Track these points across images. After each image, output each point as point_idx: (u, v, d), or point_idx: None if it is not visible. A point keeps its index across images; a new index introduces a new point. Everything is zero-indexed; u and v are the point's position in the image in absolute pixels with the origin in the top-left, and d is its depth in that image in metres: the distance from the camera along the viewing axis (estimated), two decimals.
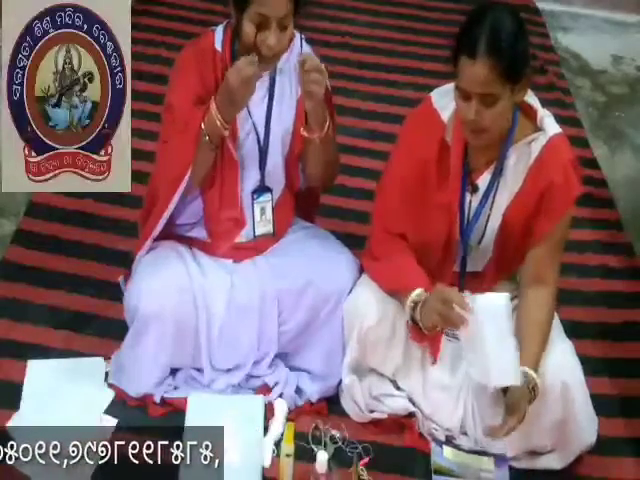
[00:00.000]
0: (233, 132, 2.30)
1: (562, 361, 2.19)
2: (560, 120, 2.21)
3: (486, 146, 2.14)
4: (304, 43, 2.34)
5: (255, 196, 2.41)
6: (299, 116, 2.34)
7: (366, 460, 2.31)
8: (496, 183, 2.18)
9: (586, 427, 2.27)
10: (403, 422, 2.41)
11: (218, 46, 2.29)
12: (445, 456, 2.33)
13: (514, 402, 2.08)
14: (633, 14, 4.80)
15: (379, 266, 2.31)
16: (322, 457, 2.09)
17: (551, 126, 2.16)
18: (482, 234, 2.24)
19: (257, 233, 2.44)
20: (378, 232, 2.33)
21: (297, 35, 2.32)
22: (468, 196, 2.21)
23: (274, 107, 2.34)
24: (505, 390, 2.11)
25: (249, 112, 2.32)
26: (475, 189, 2.21)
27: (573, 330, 2.43)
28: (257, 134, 2.34)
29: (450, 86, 2.19)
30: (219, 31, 2.31)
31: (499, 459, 2.33)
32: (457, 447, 2.35)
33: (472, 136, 2.10)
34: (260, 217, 2.43)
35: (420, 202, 2.23)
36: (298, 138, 2.35)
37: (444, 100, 2.19)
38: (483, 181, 2.20)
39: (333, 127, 2.36)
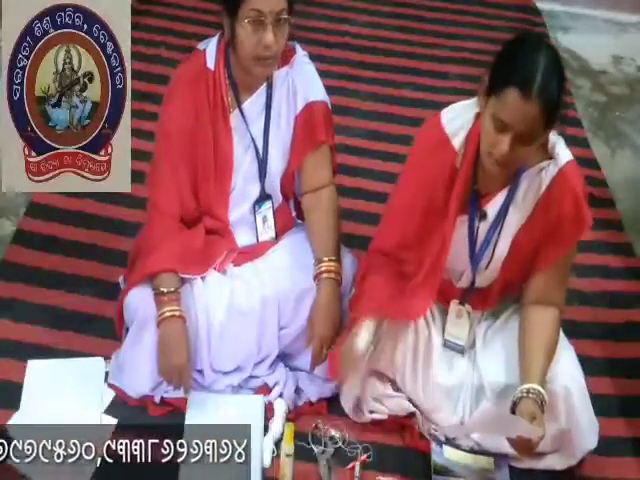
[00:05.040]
0: (228, 164, 2.33)
1: (564, 369, 2.19)
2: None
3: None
4: (304, 57, 2.35)
5: (257, 207, 2.42)
6: (296, 135, 2.34)
7: (364, 458, 2.31)
8: (506, 209, 2.15)
9: (588, 433, 2.27)
10: (403, 422, 2.40)
11: (210, 65, 2.28)
12: (445, 456, 2.33)
13: (530, 414, 2.06)
14: (633, 14, 4.79)
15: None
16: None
17: (562, 154, 2.11)
18: (490, 258, 2.22)
19: (260, 240, 2.46)
20: (371, 251, 2.31)
21: (298, 49, 2.33)
22: (477, 222, 2.19)
23: (272, 120, 2.34)
24: (513, 411, 2.10)
25: (247, 127, 2.32)
26: (484, 215, 2.18)
27: (573, 330, 2.43)
28: (255, 147, 2.35)
29: (458, 106, 2.16)
30: (211, 48, 2.29)
31: (499, 459, 2.33)
32: (457, 447, 2.35)
33: (494, 167, 2.01)
34: (262, 225, 2.44)
35: (424, 227, 2.20)
36: (294, 156, 2.36)
37: (454, 125, 2.13)
38: (493, 207, 2.17)
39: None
